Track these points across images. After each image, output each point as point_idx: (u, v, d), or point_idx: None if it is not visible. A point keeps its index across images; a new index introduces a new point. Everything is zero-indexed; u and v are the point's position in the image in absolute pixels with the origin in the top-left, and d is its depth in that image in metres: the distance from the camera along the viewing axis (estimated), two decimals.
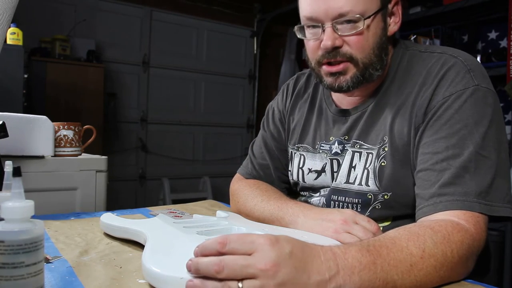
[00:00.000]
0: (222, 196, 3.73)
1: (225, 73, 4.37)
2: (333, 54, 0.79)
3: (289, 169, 1.02)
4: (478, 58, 2.68)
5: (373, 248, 0.56)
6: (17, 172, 0.47)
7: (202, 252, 0.51)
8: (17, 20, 2.00)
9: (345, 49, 0.79)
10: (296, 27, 0.83)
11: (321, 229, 0.75)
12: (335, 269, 0.51)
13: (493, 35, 2.80)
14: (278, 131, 1.06)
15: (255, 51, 4.53)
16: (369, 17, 0.77)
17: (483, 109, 0.73)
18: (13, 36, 2.46)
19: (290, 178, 1.02)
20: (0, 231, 0.45)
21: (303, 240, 0.53)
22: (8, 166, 0.58)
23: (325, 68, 0.82)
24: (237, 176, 1.09)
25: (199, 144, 4.26)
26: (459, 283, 0.63)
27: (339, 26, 0.77)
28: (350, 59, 0.79)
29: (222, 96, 4.37)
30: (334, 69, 0.80)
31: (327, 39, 0.77)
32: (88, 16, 3.46)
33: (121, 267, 0.65)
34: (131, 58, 3.80)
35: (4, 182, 0.58)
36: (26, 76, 2.77)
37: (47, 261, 0.67)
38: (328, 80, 0.83)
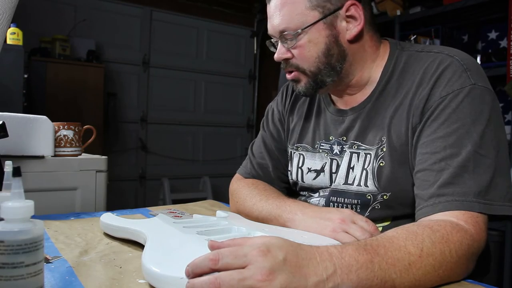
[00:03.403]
0: (222, 196, 3.73)
1: (225, 73, 4.37)
2: (285, 65, 0.88)
3: (289, 169, 1.02)
4: (478, 58, 2.67)
5: (370, 247, 0.56)
6: (17, 172, 0.47)
7: (194, 271, 0.50)
8: (17, 20, 2.00)
9: (293, 60, 0.86)
10: (267, 42, 0.92)
11: (319, 227, 0.75)
12: (332, 268, 0.51)
13: (493, 35, 2.80)
14: (277, 131, 1.07)
15: (255, 51, 4.53)
16: (300, 32, 0.82)
17: (480, 108, 0.73)
18: (13, 36, 2.45)
19: (290, 178, 1.02)
20: (0, 231, 0.45)
21: (299, 243, 0.53)
22: (8, 166, 0.58)
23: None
24: (236, 176, 1.10)
25: (199, 144, 4.26)
26: (459, 283, 0.63)
27: (286, 41, 0.85)
28: (297, 68, 0.87)
29: (222, 96, 4.37)
30: (289, 76, 0.90)
31: (277, 53, 0.88)
32: (88, 16, 3.46)
33: (121, 267, 0.65)
34: (131, 58, 3.79)
35: (4, 182, 0.58)
36: (26, 76, 2.77)
37: (47, 261, 0.67)
38: (293, 85, 0.92)
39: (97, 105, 3.26)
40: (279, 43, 0.87)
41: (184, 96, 4.15)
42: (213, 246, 0.53)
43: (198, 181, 4.15)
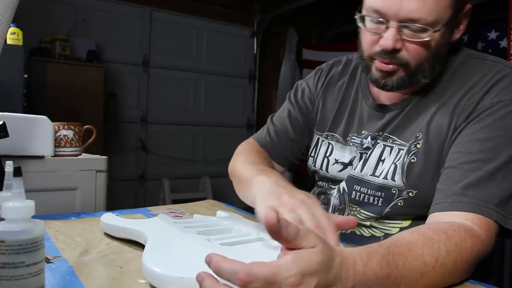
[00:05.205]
0: (222, 196, 3.73)
1: (225, 73, 4.37)
2: (389, 55, 0.76)
3: (311, 154, 0.99)
4: None
5: (392, 258, 0.54)
6: (17, 172, 0.47)
7: (217, 273, 0.45)
8: (17, 20, 2.00)
9: (402, 53, 0.76)
10: (357, 14, 0.79)
11: (270, 192, 0.69)
12: (351, 286, 0.49)
13: (493, 35, 2.80)
14: (307, 108, 1.03)
15: (255, 51, 4.53)
16: (438, 30, 0.73)
17: None
18: (13, 36, 2.46)
19: (311, 164, 0.99)
20: (0, 231, 0.45)
21: (332, 256, 0.49)
22: (9, 166, 0.58)
23: (377, 63, 0.79)
24: (249, 139, 1.07)
25: (199, 144, 4.26)
26: (460, 283, 0.63)
27: (404, 30, 0.74)
28: (403, 64, 0.77)
29: (222, 96, 4.37)
30: (385, 68, 0.78)
31: (389, 39, 0.74)
32: (88, 16, 3.46)
33: (121, 267, 0.65)
34: (131, 58, 3.80)
35: (5, 182, 0.58)
36: (26, 76, 2.76)
37: (48, 261, 0.67)
38: (376, 75, 0.80)
39: (97, 105, 3.26)
40: (393, 29, 0.73)
41: (184, 96, 4.15)
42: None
43: (198, 181, 4.15)
